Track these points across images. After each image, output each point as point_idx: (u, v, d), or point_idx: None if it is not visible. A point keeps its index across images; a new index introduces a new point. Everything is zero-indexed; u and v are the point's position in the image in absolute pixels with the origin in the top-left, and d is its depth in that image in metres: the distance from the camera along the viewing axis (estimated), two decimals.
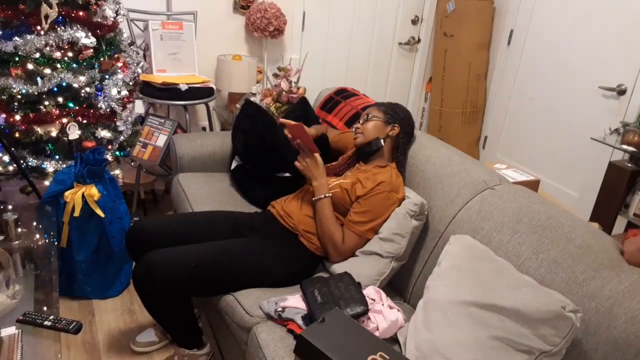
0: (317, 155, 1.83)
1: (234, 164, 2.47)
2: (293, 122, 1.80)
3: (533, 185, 2.08)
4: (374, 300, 1.56)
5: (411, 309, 1.75)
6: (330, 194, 1.81)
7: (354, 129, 1.97)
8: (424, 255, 1.80)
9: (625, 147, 2.49)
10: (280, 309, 1.53)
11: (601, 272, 1.32)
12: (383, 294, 1.61)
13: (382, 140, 1.89)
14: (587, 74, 3.02)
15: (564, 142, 3.20)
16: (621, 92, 2.81)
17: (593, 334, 1.26)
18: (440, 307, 1.42)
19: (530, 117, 3.44)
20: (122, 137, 2.63)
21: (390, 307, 1.56)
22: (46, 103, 2.34)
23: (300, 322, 1.47)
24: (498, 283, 1.36)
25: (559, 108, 3.22)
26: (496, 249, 1.53)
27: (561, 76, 3.19)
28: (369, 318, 1.48)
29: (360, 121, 1.97)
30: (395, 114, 1.96)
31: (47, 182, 2.39)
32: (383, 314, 1.50)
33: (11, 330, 1.45)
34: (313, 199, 1.82)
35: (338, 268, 1.76)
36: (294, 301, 1.55)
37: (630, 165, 2.48)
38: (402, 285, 1.87)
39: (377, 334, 1.46)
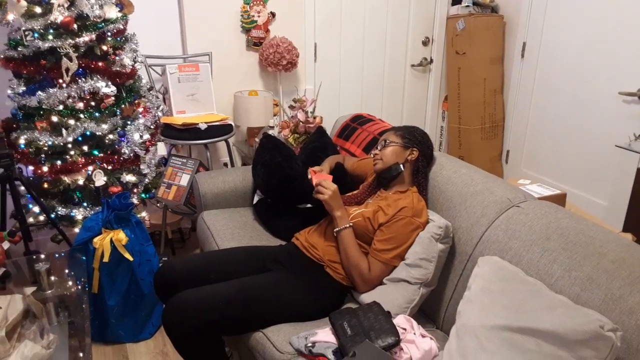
0: (334, 186, 1.84)
1: (255, 198, 2.49)
2: (317, 174, 1.89)
3: (559, 199, 2.03)
4: (405, 329, 1.53)
5: (445, 336, 1.72)
6: (352, 224, 1.80)
7: (372, 155, 1.97)
8: (454, 279, 1.76)
9: None
10: (310, 344, 1.51)
11: (638, 287, 1.28)
12: (414, 323, 1.58)
13: (401, 165, 1.89)
14: (605, 81, 2.97)
15: (588, 150, 3.14)
16: None
17: (636, 352, 1.20)
18: (474, 333, 1.38)
19: (552, 127, 3.39)
20: (146, 180, 2.69)
21: (423, 336, 1.53)
22: (72, 152, 2.41)
23: (331, 356, 1.45)
24: (531, 304, 1.33)
25: (580, 116, 3.17)
26: (527, 269, 1.50)
27: (579, 84, 3.14)
28: (401, 349, 1.45)
29: (378, 147, 1.97)
30: (413, 137, 1.95)
31: (76, 230, 2.44)
32: (416, 344, 1.47)
33: None
34: (335, 230, 1.82)
35: (366, 297, 1.74)
36: (323, 335, 1.53)
37: None
38: (434, 312, 1.83)
39: None
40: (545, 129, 3.44)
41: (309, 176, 1.92)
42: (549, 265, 1.46)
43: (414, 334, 1.52)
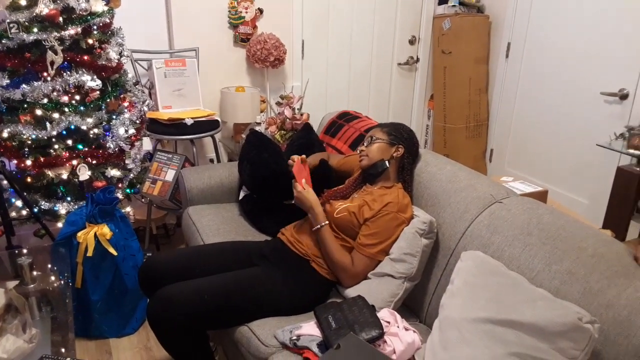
0: (303, 187, 1.87)
1: (241, 194, 2.49)
2: (297, 161, 1.90)
3: (541, 196, 2.07)
4: (389, 322, 1.55)
5: (428, 329, 1.74)
6: (327, 222, 1.82)
7: (358, 152, 1.99)
8: (437, 273, 1.79)
9: (632, 151, 2.47)
10: (295, 338, 1.52)
11: (616, 281, 1.31)
12: (398, 316, 1.60)
13: (387, 162, 1.90)
14: (587, 81, 3.03)
15: (571, 150, 3.19)
16: (623, 96, 2.82)
17: (612, 344, 1.24)
18: (456, 326, 1.40)
19: (535, 127, 3.44)
20: (131, 175, 2.67)
21: (406, 329, 1.55)
22: (56, 146, 2.39)
23: (315, 349, 1.46)
24: (512, 298, 1.35)
25: (563, 116, 3.22)
26: (508, 263, 1.52)
27: (562, 84, 3.20)
28: (385, 341, 1.47)
29: (365, 143, 1.99)
30: (399, 134, 1.97)
31: (60, 224, 2.42)
32: (399, 337, 1.49)
33: None
34: (312, 229, 1.84)
35: (351, 292, 1.76)
36: (308, 328, 1.54)
37: (638, 169, 2.46)
38: (417, 306, 1.85)
39: (394, 357, 1.45)
40: (529, 128, 3.49)
41: (289, 162, 1.94)
42: (530, 259, 1.49)
43: (398, 327, 1.54)
